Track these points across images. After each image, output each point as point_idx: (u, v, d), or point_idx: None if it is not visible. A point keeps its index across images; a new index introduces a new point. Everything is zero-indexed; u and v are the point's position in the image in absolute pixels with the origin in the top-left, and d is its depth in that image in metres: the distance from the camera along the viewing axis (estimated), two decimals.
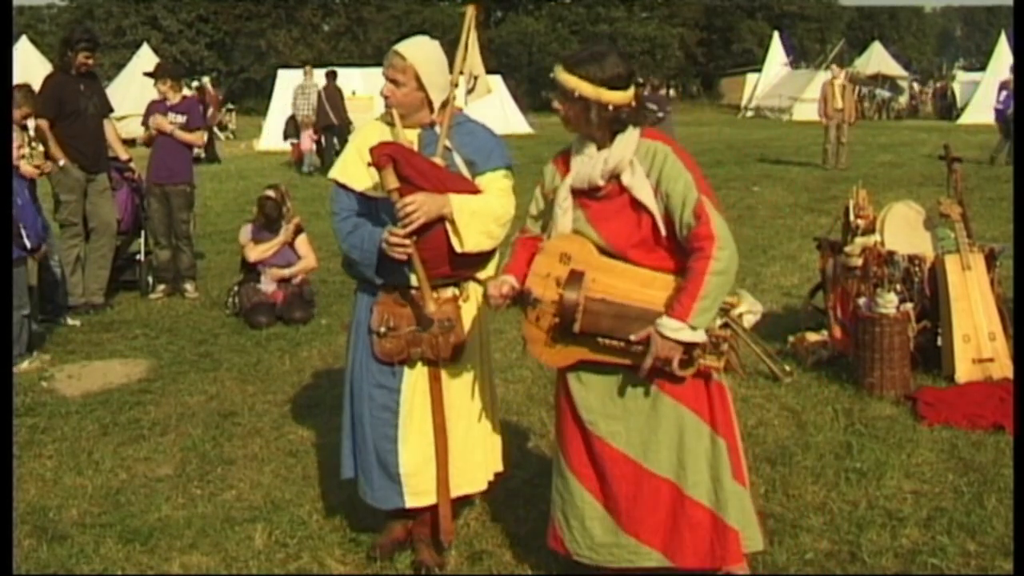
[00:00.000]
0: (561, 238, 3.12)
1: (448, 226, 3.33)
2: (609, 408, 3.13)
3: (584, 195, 3.11)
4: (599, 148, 3.07)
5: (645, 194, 3.00)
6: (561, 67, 3.06)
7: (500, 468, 3.78)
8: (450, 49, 3.65)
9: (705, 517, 3.09)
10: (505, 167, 3.57)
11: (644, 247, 3.04)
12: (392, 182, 3.22)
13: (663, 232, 3.01)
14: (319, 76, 19.66)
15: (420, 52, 3.46)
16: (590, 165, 3.07)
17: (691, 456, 3.08)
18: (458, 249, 3.37)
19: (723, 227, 2.96)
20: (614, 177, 3.05)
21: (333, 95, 18.31)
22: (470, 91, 3.78)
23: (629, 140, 3.04)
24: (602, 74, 2.99)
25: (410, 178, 3.25)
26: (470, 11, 3.63)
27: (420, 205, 3.24)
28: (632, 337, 2.98)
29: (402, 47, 3.45)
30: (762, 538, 3.25)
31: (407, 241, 3.26)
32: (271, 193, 7.69)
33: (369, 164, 3.26)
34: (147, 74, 8.67)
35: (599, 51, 3.07)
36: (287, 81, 25.86)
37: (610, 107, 3.00)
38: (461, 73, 3.65)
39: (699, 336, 2.93)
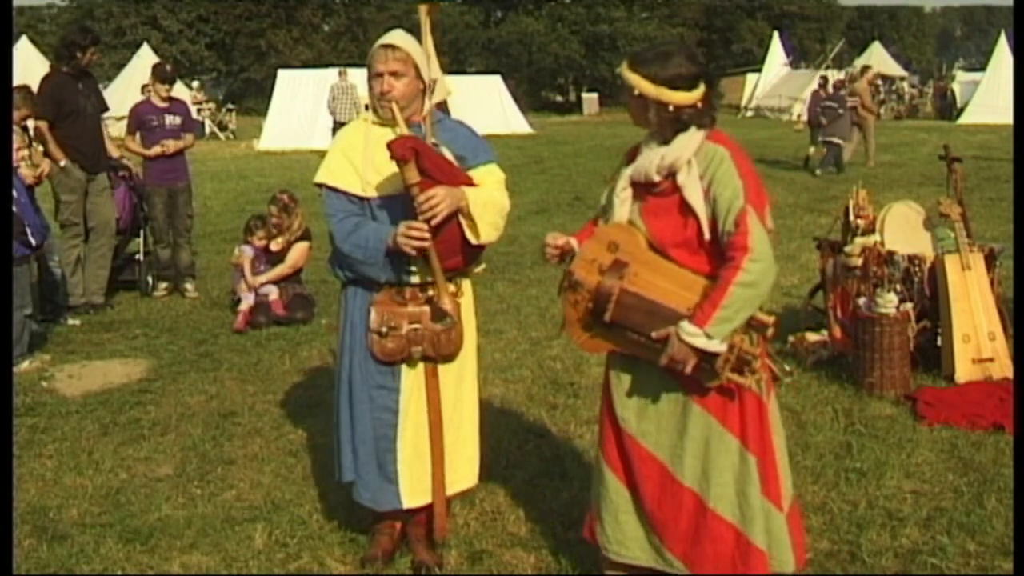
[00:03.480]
0: (613, 226, 3.11)
1: (463, 219, 3.35)
2: (642, 408, 3.12)
3: (643, 189, 3.10)
4: (663, 144, 3.06)
5: (695, 196, 2.97)
6: (625, 64, 3.04)
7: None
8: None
9: (728, 532, 3.05)
10: (494, 161, 3.60)
11: (687, 248, 3.01)
12: (414, 176, 3.22)
13: (707, 236, 2.98)
14: (352, 76, 20.34)
15: (411, 42, 3.47)
16: (649, 159, 3.05)
17: (716, 468, 3.04)
18: (474, 241, 3.40)
19: (761, 240, 2.91)
20: (670, 175, 3.02)
21: None
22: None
23: (690, 140, 3.01)
24: (664, 73, 2.96)
25: (429, 171, 3.26)
26: (424, 11, 3.61)
27: (443, 198, 3.24)
28: (653, 335, 2.96)
29: (395, 39, 3.44)
30: (795, 562, 3.14)
31: (427, 234, 3.26)
32: (272, 209, 7.73)
33: (392, 158, 3.23)
34: (162, 76, 8.60)
35: (665, 50, 3.04)
36: (287, 81, 25.94)
37: (670, 107, 2.98)
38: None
39: (714, 345, 2.88)
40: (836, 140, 16.52)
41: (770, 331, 3.01)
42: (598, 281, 3.03)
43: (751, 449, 3.05)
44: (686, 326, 2.90)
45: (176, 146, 8.22)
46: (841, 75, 19.50)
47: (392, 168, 3.35)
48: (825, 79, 20.15)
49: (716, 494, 3.04)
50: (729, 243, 2.92)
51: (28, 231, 6.22)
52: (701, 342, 2.88)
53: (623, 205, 3.11)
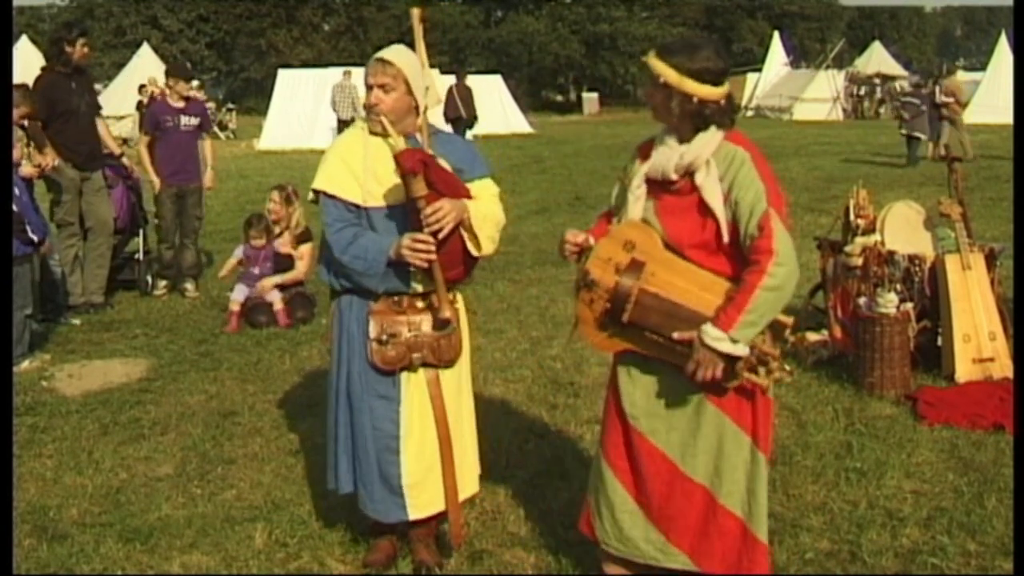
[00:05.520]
0: (629, 225, 3.08)
1: (464, 232, 3.36)
2: (653, 406, 3.10)
3: (658, 186, 3.06)
4: (680, 142, 3.02)
5: (714, 198, 2.94)
6: (653, 52, 3.00)
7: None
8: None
9: (736, 527, 3.06)
10: (489, 175, 3.61)
11: (704, 249, 2.99)
12: (422, 189, 3.23)
13: (726, 238, 2.95)
14: (355, 76, 21.05)
15: (405, 57, 3.46)
16: (667, 157, 3.01)
17: (728, 465, 3.04)
18: (475, 253, 3.43)
19: (786, 243, 2.89)
20: (688, 174, 2.99)
21: (463, 91, 20.45)
22: None
23: (710, 139, 2.97)
24: (690, 64, 2.92)
25: (435, 184, 3.27)
26: (416, 16, 3.59)
27: (449, 211, 3.25)
28: (675, 335, 2.94)
29: (388, 54, 3.44)
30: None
31: (433, 247, 3.26)
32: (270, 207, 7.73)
33: (402, 172, 3.23)
34: (185, 74, 8.66)
35: (694, 42, 3.00)
36: (287, 81, 25.96)
37: (693, 99, 2.93)
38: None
39: (739, 349, 2.86)
40: (917, 134, 17.62)
41: (788, 332, 3.00)
42: (616, 281, 3.00)
43: (761, 447, 3.05)
44: (711, 330, 2.86)
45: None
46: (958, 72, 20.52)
47: (392, 178, 3.35)
48: (919, 79, 21.69)
49: (727, 491, 3.04)
50: (753, 246, 2.89)
51: (28, 228, 6.21)
52: (726, 347, 2.85)
53: (637, 202, 3.07)
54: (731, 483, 3.05)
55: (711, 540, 3.07)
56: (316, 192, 3.51)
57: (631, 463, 3.15)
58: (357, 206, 3.44)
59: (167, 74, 8.81)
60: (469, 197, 3.42)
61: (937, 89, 18.51)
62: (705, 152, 2.96)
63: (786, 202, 3.01)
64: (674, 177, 3.00)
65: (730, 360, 2.88)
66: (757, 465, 3.05)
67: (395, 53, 3.45)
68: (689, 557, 3.10)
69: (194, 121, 8.37)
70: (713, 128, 2.98)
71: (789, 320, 2.99)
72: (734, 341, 2.85)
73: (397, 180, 3.34)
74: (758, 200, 2.90)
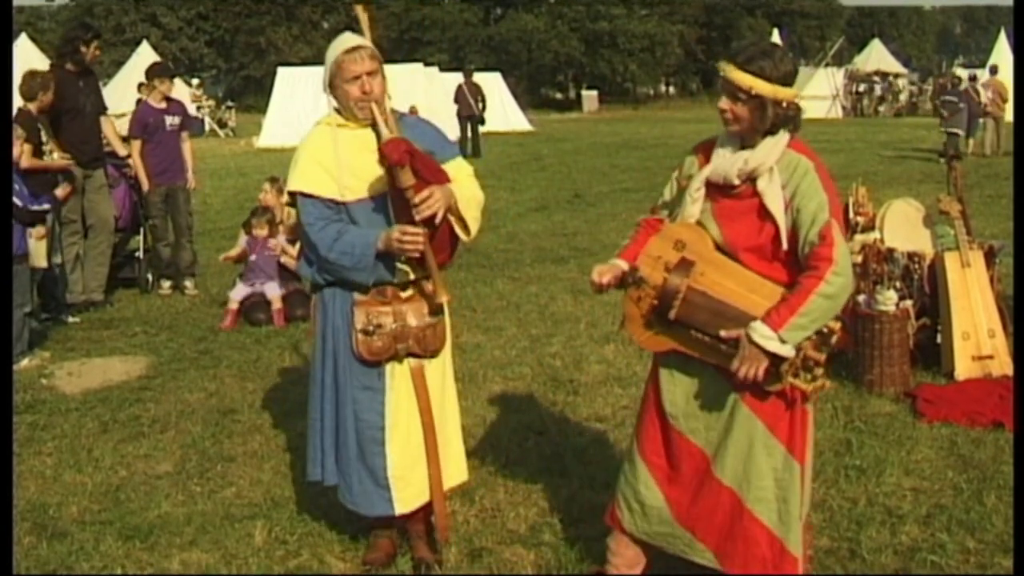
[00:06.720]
0: (681, 224, 3.08)
1: (451, 216, 3.37)
2: (692, 407, 3.09)
3: (717, 189, 3.04)
4: (744, 147, 3.00)
5: (775, 204, 2.92)
6: (732, 65, 2.89)
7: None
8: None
9: (763, 535, 3.03)
10: (459, 155, 3.64)
11: (758, 254, 2.98)
12: (410, 179, 3.23)
13: (784, 245, 2.94)
14: None
15: (367, 40, 3.46)
16: (730, 162, 2.99)
17: (756, 471, 3.01)
18: (464, 238, 3.44)
19: (845, 255, 2.89)
20: (750, 179, 2.97)
21: (472, 88, 21.89)
22: None
23: (775, 146, 2.94)
24: (775, 70, 2.88)
25: (421, 172, 3.27)
26: (360, 9, 3.57)
27: (439, 199, 3.26)
28: (722, 333, 2.92)
29: (358, 40, 3.40)
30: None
31: (424, 237, 3.27)
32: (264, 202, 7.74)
33: (388, 164, 3.23)
34: (169, 73, 8.72)
35: (766, 47, 2.97)
36: (287, 78, 25.96)
37: (783, 104, 2.91)
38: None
39: (786, 350, 2.85)
40: (956, 130, 18.53)
41: (834, 338, 2.99)
42: (664, 278, 3.00)
43: (796, 457, 3.03)
44: (760, 328, 2.85)
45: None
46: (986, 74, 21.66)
47: (368, 170, 3.35)
48: (955, 76, 23.18)
49: (755, 496, 3.02)
50: (813, 253, 2.88)
51: (17, 201, 6.12)
52: (774, 346, 2.84)
53: (695, 204, 3.06)
54: (759, 489, 3.02)
55: (735, 543, 3.05)
56: (292, 194, 3.48)
57: (668, 460, 3.15)
58: (336, 202, 3.41)
59: (148, 75, 8.79)
60: (450, 181, 3.41)
61: (982, 90, 19.52)
62: (770, 159, 2.94)
63: (844, 215, 3.01)
64: (736, 182, 2.99)
65: (775, 361, 2.87)
66: (791, 474, 3.02)
67: (361, 39, 3.44)
68: (715, 555, 3.09)
69: (176, 120, 8.40)
70: (782, 132, 2.95)
71: (837, 326, 2.97)
72: (782, 341, 2.84)
73: (373, 171, 3.33)
74: (821, 210, 2.89)
